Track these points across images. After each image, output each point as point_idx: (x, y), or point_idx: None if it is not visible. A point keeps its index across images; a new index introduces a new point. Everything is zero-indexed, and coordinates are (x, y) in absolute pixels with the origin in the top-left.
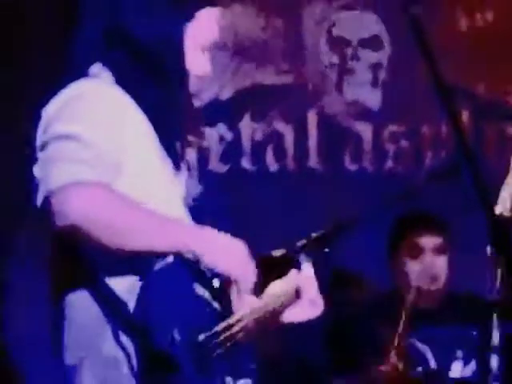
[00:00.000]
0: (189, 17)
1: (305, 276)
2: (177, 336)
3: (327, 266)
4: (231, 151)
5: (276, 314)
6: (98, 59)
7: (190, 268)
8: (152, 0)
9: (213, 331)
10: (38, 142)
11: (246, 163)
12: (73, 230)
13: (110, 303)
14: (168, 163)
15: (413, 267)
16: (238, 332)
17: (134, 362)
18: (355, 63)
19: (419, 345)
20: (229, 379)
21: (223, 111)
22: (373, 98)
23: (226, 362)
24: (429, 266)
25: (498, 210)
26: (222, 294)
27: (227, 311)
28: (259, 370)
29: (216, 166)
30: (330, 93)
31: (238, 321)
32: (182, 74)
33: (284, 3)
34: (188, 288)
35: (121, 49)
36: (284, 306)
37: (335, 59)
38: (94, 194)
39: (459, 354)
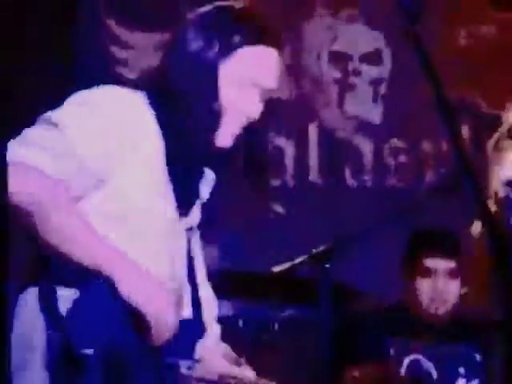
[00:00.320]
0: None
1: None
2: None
3: (328, 280)
4: None
5: None
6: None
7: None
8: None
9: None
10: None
11: None
12: (15, 211)
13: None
14: (169, 199)
15: (424, 288)
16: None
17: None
18: (356, 78)
19: (424, 361)
20: None
21: None
22: (374, 113)
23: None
24: (440, 289)
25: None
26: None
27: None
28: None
29: None
30: (331, 108)
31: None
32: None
33: (286, 17)
34: (112, 305)
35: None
36: None
37: (336, 74)
38: (31, 180)
39: (462, 371)
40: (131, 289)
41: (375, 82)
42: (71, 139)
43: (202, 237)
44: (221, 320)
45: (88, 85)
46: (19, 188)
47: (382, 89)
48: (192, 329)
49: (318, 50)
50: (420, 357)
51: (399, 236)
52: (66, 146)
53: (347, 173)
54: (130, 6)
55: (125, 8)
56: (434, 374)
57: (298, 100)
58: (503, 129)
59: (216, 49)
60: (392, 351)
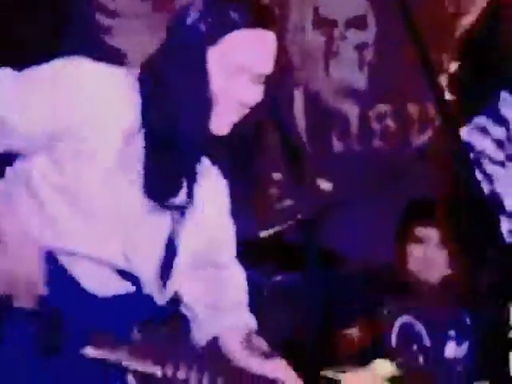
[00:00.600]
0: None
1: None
2: None
3: (315, 246)
4: None
5: None
6: None
7: None
8: None
9: None
10: None
11: None
12: None
13: None
14: (135, 181)
15: (415, 254)
16: None
17: None
18: (341, 44)
19: (415, 323)
20: None
21: None
22: (359, 78)
23: None
24: (431, 257)
25: None
26: None
27: None
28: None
29: None
30: (316, 74)
31: None
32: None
33: None
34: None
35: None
36: None
37: (321, 39)
38: None
39: (452, 334)
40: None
41: (360, 47)
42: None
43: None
44: None
45: (73, 52)
46: None
47: (367, 54)
48: (131, 303)
49: (302, 15)
50: (411, 319)
51: (386, 201)
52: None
53: (333, 138)
54: None
55: None
56: (425, 336)
57: (283, 66)
58: None
59: (209, 31)
60: (385, 311)
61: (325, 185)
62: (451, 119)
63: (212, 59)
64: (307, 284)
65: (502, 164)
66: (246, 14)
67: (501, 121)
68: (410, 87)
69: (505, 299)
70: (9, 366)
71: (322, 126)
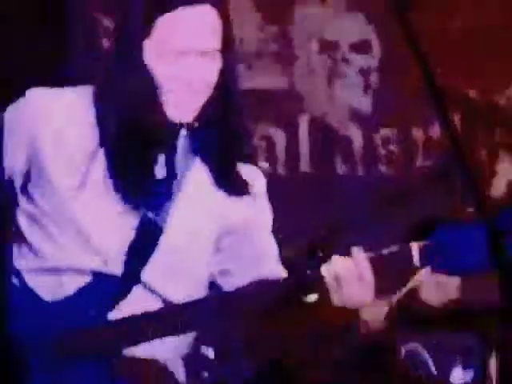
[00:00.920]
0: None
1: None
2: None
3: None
4: None
5: None
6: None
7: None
8: None
9: None
10: None
11: None
12: None
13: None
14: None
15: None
16: None
17: None
18: (346, 67)
19: (421, 350)
20: None
21: None
22: (363, 102)
23: None
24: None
25: None
26: None
27: None
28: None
29: None
30: (320, 96)
31: None
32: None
33: (277, 5)
34: None
35: None
36: None
37: (326, 63)
38: None
39: (458, 360)
40: None
41: (365, 71)
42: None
43: None
44: None
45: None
46: None
47: (372, 77)
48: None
49: (307, 38)
50: (417, 346)
51: (391, 226)
52: None
53: (338, 162)
54: None
55: None
56: (431, 363)
57: (288, 89)
58: None
59: (139, 22)
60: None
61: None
62: (459, 143)
63: (149, 51)
64: None
65: None
66: None
67: None
68: (414, 111)
69: None
70: None
71: (326, 150)
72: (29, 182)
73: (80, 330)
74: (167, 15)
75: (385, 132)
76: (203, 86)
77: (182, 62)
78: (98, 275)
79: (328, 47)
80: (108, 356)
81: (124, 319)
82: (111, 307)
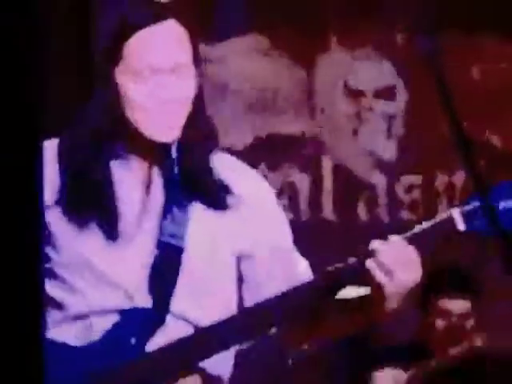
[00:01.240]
0: None
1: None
2: None
3: None
4: None
5: None
6: None
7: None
8: None
9: None
10: None
11: None
12: None
13: None
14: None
15: (439, 327)
16: None
17: None
18: (370, 114)
19: None
20: None
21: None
22: (387, 148)
23: None
24: (454, 329)
25: None
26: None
27: None
28: None
29: None
30: (345, 143)
31: None
32: None
33: (300, 51)
34: None
35: None
36: None
37: (350, 109)
38: None
39: None
40: None
41: (389, 118)
42: None
43: None
44: None
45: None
46: None
47: (396, 124)
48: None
49: (332, 84)
50: None
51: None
52: None
53: (361, 209)
54: None
55: None
56: None
57: (312, 135)
58: None
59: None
60: None
61: None
62: (485, 190)
63: (119, 77)
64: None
65: None
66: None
67: None
68: (439, 159)
69: None
70: None
71: (350, 196)
72: None
73: (118, 368)
74: (133, 37)
75: (408, 178)
76: (177, 105)
77: (155, 80)
78: (125, 312)
79: (353, 93)
80: None
81: (163, 349)
82: (147, 339)
